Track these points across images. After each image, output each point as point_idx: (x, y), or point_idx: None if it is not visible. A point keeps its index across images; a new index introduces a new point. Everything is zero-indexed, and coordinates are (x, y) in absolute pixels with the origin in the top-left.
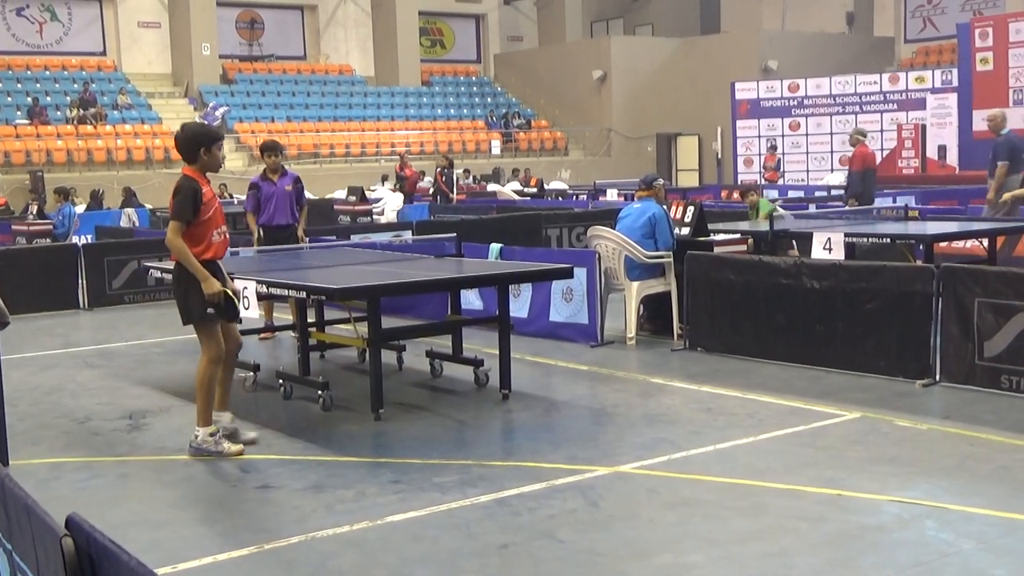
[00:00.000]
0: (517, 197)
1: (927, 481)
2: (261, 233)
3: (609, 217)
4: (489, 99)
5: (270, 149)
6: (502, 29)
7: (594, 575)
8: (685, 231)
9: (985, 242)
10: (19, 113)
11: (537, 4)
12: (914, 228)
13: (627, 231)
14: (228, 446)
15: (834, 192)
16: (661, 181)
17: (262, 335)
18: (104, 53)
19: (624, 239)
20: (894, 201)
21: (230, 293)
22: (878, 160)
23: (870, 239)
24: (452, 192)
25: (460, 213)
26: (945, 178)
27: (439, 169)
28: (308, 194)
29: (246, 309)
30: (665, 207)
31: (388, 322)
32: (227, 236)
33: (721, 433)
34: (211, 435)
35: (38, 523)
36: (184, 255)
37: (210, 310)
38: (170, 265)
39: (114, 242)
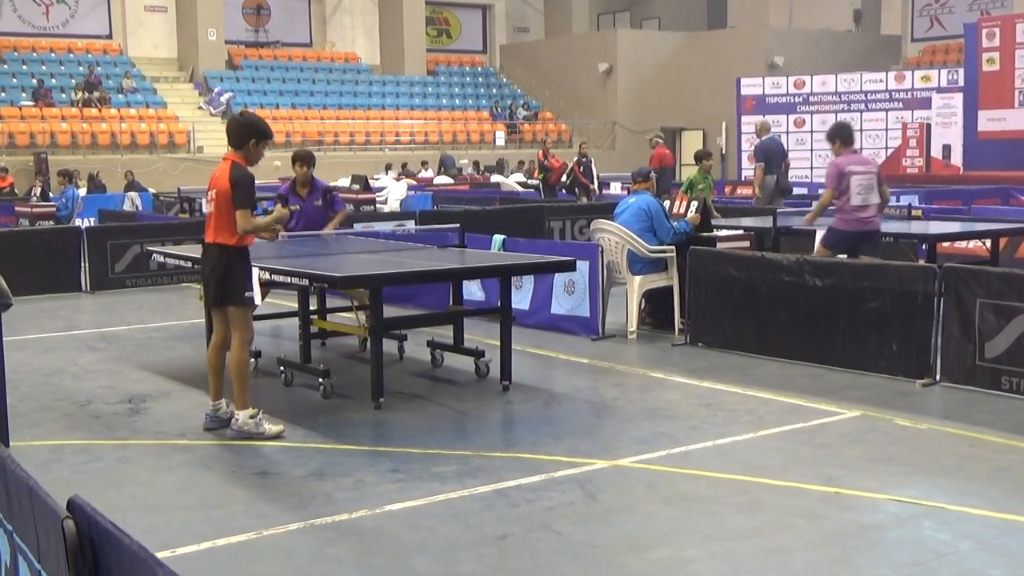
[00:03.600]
0: (521, 188)
1: (926, 480)
2: None
3: (612, 210)
4: (494, 90)
5: (303, 160)
6: (508, 20)
7: (591, 568)
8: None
9: (988, 243)
10: (24, 95)
11: None
12: (917, 227)
13: (625, 226)
14: (269, 427)
15: None
16: (655, 174)
17: None
18: (110, 36)
19: (627, 233)
20: (897, 200)
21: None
22: (881, 159)
23: None
24: (592, 183)
25: (463, 203)
26: (949, 178)
27: (576, 159)
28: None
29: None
30: (660, 199)
31: (390, 311)
32: None
33: (720, 429)
34: (251, 417)
35: (39, 505)
36: (257, 227)
37: (248, 294)
38: (173, 250)
39: (117, 226)
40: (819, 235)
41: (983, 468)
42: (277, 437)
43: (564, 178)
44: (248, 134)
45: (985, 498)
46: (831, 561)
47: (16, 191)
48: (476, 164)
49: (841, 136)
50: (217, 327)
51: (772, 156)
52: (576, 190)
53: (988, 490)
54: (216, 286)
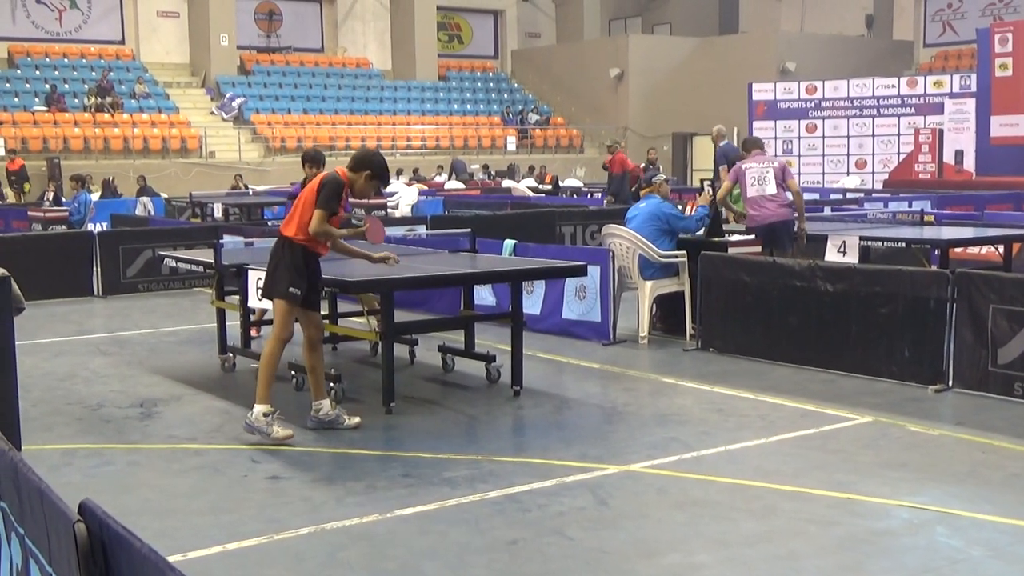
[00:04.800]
0: (532, 194)
1: (938, 487)
2: None
3: (623, 216)
4: (506, 95)
5: (312, 161)
6: (520, 25)
7: (602, 573)
8: (700, 231)
9: (1001, 248)
10: (37, 100)
11: (555, 1)
12: (929, 233)
13: (637, 230)
14: (277, 430)
15: (850, 195)
16: (662, 177)
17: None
18: (123, 42)
19: (639, 238)
20: (910, 206)
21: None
22: (893, 164)
23: (885, 243)
24: None
25: (474, 208)
26: (962, 183)
27: (643, 166)
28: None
29: (259, 300)
30: (669, 202)
31: (401, 316)
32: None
33: (732, 434)
34: (265, 415)
35: (51, 508)
36: (333, 236)
37: (292, 289)
38: (185, 254)
39: (129, 230)
40: (831, 241)
41: (996, 474)
42: (283, 441)
43: (632, 187)
44: (366, 165)
45: (998, 505)
46: (843, 567)
47: (27, 174)
48: (486, 167)
49: (744, 146)
50: (301, 327)
51: (731, 160)
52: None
53: (1001, 497)
54: (266, 276)
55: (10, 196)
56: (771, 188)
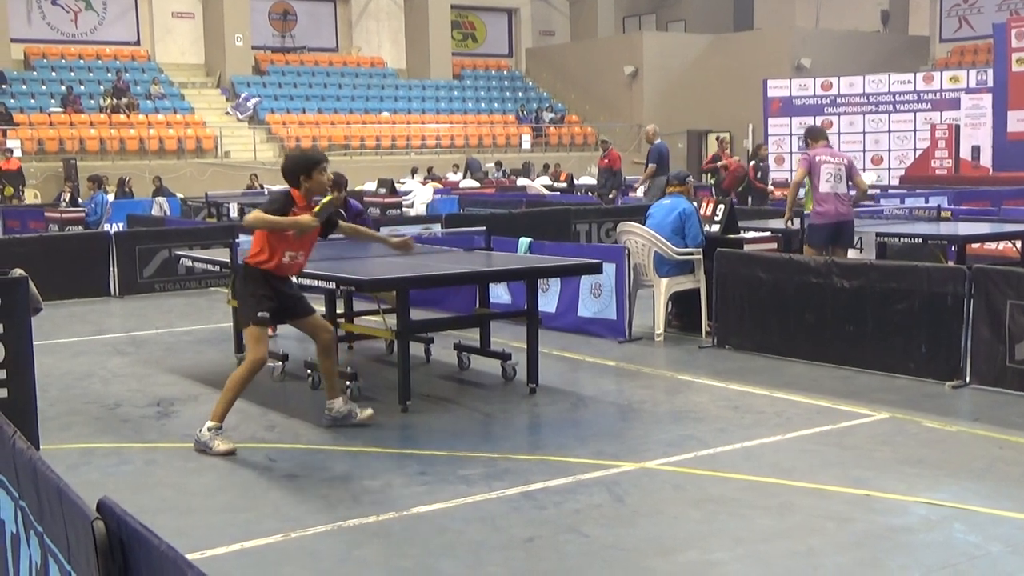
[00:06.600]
0: (547, 192)
1: (956, 483)
2: None
3: (639, 213)
4: (520, 93)
5: (335, 184)
6: (534, 23)
7: (619, 570)
8: (715, 228)
9: (1018, 244)
10: (53, 101)
11: None
12: (946, 229)
13: (656, 227)
14: (218, 444)
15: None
16: (692, 179)
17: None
18: (138, 43)
19: (654, 235)
20: (926, 201)
21: (324, 202)
22: (909, 160)
23: (902, 239)
24: (768, 186)
25: (489, 207)
26: (978, 179)
27: (752, 162)
28: None
29: None
30: (695, 203)
31: (416, 314)
32: (300, 262)
33: (748, 431)
34: (210, 429)
35: (70, 506)
36: (265, 221)
37: (261, 314)
38: (201, 254)
39: (146, 230)
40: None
41: (1014, 470)
42: (224, 455)
43: (739, 186)
44: (295, 174)
45: (1016, 500)
46: (861, 564)
47: (24, 174)
48: (500, 166)
49: (811, 135)
50: (311, 336)
51: (663, 159)
52: (749, 198)
53: (1019, 492)
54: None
55: (8, 191)
56: (843, 187)
